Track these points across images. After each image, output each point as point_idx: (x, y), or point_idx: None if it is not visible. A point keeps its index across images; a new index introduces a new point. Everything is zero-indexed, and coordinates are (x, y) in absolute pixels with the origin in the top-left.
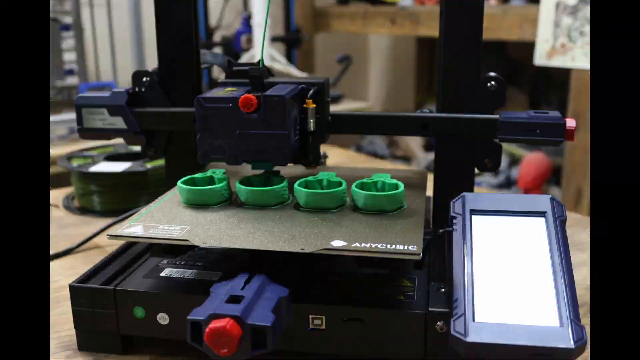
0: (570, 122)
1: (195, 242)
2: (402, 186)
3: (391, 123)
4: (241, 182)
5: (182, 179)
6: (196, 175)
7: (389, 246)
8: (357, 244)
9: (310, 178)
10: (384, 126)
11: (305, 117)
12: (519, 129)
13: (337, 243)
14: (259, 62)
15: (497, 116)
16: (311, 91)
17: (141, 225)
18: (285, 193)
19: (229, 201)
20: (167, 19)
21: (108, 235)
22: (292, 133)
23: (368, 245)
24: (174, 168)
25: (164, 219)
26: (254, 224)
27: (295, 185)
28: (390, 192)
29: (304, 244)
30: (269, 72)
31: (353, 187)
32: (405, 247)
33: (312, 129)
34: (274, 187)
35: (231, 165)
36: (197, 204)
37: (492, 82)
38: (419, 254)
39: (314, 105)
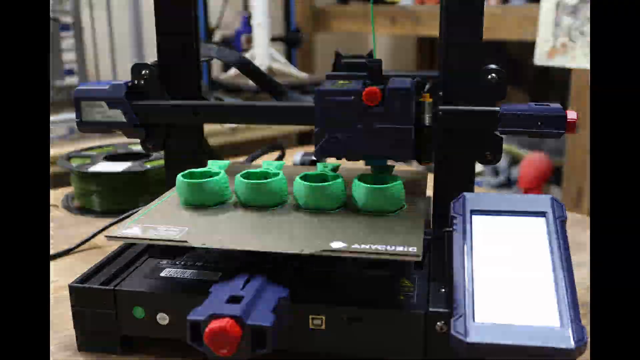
0: (571, 114)
1: (193, 244)
2: (400, 179)
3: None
4: (241, 177)
5: (181, 173)
6: (195, 170)
7: (388, 247)
8: (357, 245)
9: (310, 172)
10: None
11: (422, 111)
12: (520, 121)
13: (337, 244)
14: (371, 52)
15: (497, 108)
16: (428, 85)
17: (139, 226)
18: (284, 188)
19: (229, 200)
20: (167, 13)
21: (106, 236)
22: (413, 127)
23: (367, 247)
24: (173, 163)
25: (163, 219)
26: (253, 224)
27: (296, 179)
28: (389, 185)
29: (304, 245)
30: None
31: (355, 180)
32: (405, 249)
33: (428, 124)
34: (272, 180)
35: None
36: (195, 199)
37: (493, 74)
38: (419, 256)
39: (431, 100)
